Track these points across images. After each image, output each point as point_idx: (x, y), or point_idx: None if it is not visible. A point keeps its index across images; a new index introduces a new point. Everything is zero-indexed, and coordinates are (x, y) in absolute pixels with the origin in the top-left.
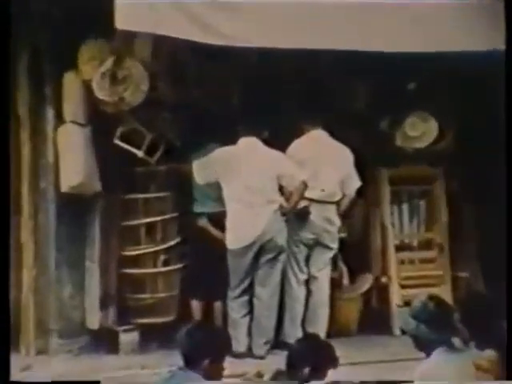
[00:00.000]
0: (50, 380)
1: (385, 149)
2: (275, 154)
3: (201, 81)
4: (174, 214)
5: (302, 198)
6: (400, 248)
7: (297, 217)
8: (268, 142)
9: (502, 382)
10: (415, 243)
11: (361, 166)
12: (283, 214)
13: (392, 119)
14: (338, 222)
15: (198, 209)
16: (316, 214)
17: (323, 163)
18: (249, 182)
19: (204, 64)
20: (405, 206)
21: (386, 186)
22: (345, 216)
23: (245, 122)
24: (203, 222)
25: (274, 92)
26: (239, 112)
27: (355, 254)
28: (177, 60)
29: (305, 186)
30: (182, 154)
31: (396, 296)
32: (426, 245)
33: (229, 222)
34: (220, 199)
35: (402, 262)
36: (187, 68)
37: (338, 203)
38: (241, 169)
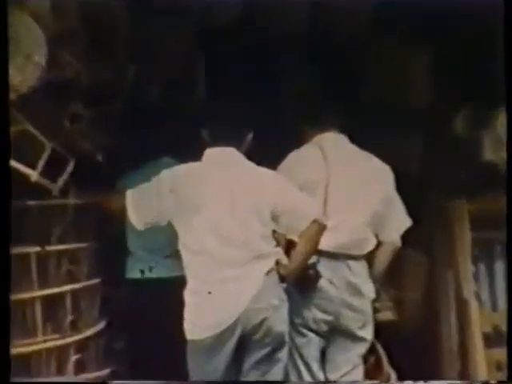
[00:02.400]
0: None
1: (461, 165)
2: (266, 174)
3: (140, 52)
4: (94, 281)
5: (315, 249)
6: (493, 340)
7: (302, 283)
8: (253, 155)
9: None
10: None
11: (414, 195)
12: (282, 279)
13: (474, 114)
14: (371, 291)
15: (134, 271)
16: (331, 276)
17: (342, 189)
18: (222, 223)
19: (146, 23)
20: (499, 266)
21: (464, 229)
22: (386, 281)
23: (214, 120)
24: None
25: (263, 70)
26: (205, 104)
27: (411, 348)
28: (98, 16)
29: (320, 228)
30: (108, 177)
31: None
32: None
33: (188, 294)
34: (174, 255)
35: (499, 366)
36: (117, 30)
37: (370, 258)
38: (208, 201)
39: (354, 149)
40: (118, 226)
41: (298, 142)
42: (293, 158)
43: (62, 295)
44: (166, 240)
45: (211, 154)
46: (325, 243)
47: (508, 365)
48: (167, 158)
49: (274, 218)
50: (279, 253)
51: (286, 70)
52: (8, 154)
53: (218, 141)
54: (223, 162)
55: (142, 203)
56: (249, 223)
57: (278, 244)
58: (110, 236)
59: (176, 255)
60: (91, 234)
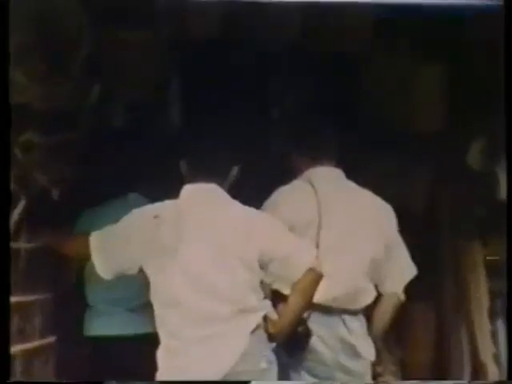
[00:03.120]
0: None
1: (475, 203)
2: (253, 214)
3: (104, 70)
4: (48, 340)
5: (310, 303)
6: None
7: (289, 342)
8: (237, 191)
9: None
10: None
11: (421, 238)
12: (270, 338)
13: (490, 143)
14: (370, 351)
15: (95, 328)
16: (323, 334)
17: (336, 232)
18: (202, 271)
19: (112, 37)
20: None
21: (479, 277)
22: (389, 340)
23: (192, 150)
24: None
25: (247, 91)
26: (180, 132)
27: None
28: (56, 29)
29: (315, 277)
30: (66, 216)
31: None
32: None
33: (161, 354)
34: (143, 307)
35: None
36: (78, 45)
37: (369, 313)
38: (186, 245)
39: (350, 185)
40: (76, 275)
41: (286, 176)
42: (279, 195)
43: (12, 357)
44: (133, 291)
45: (190, 190)
46: (316, 295)
47: (508, 364)
48: (135, 195)
49: (263, 265)
50: (268, 306)
51: (274, 90)
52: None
53: (198, 175)
54: (204, 201)
55: (110, 248)
56: (233, 271)
57: (266, 296)
58: (67, 286)
59: (145, 308)
60: (45, 284)
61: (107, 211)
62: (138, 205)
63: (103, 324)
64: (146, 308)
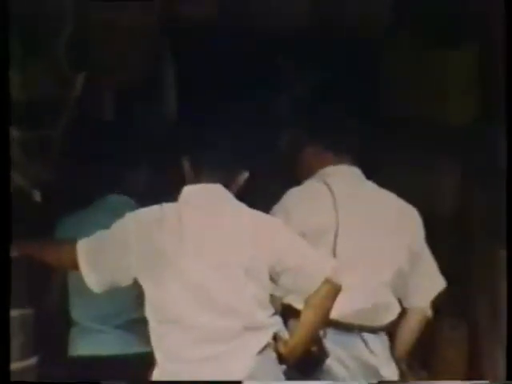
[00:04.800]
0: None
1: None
2: (263, 219)
3: (90, 57)
4: (29, 361)
5: (327, 319)
6: None
7: (302, 364)
8: (245, 194)
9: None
10: None
11: (450, 245)
12: (281, 359)
13: None
14: (393, 373)
15: (79, 346)
16: (341, 354)
17: (355, 239)
18: (205, 283)
19: (97, 19)
20: None
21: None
22: (414, 360)
23: (193, 147)
24: None
25: (250, 79)
26: (177, 124)
27: None
28: (33, 8)
29: (333, 290)
30: (47, 221)
31: None
32: None
33: (157, 376)
34: (137, 324)
35: None
36: (59, 28)
37: (392, 331)
38: (187, 254)
39: (371, 186)
40: (59, 288)
41: (302, 175)
42: (291, 197)
43: None
44: (123, 305)
45: (191, 191)
46: (333, 310)
47: (507, 364)
48: (124, 198)
49: (273, 276)
50: (278, 323)
51: (281, 79)
52: None
53: (200, 175)
54: (207, 203)
55: (101, 257)
56: (240, 284)
57: (276, 311)
58: (49, 301)
59: (137, 324)
60: (24, 299)
61: (92, 215)
62: (128, 208)
63: (90, 343)
64: (139, 324)
